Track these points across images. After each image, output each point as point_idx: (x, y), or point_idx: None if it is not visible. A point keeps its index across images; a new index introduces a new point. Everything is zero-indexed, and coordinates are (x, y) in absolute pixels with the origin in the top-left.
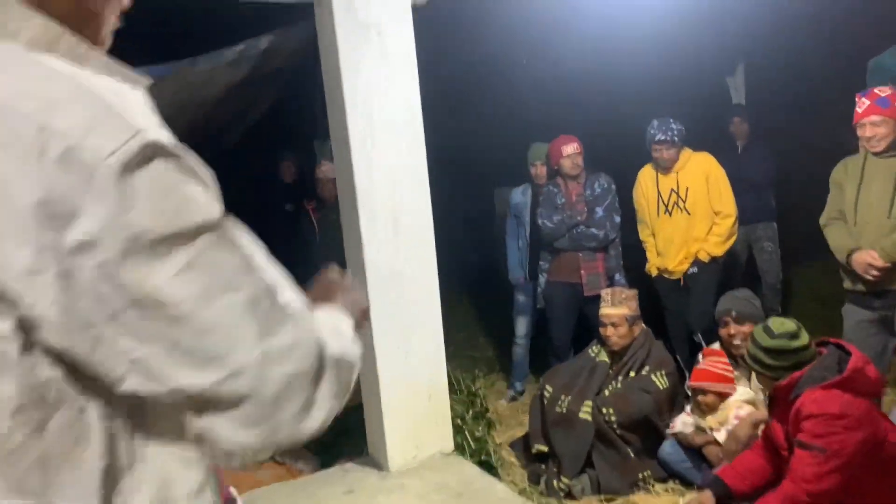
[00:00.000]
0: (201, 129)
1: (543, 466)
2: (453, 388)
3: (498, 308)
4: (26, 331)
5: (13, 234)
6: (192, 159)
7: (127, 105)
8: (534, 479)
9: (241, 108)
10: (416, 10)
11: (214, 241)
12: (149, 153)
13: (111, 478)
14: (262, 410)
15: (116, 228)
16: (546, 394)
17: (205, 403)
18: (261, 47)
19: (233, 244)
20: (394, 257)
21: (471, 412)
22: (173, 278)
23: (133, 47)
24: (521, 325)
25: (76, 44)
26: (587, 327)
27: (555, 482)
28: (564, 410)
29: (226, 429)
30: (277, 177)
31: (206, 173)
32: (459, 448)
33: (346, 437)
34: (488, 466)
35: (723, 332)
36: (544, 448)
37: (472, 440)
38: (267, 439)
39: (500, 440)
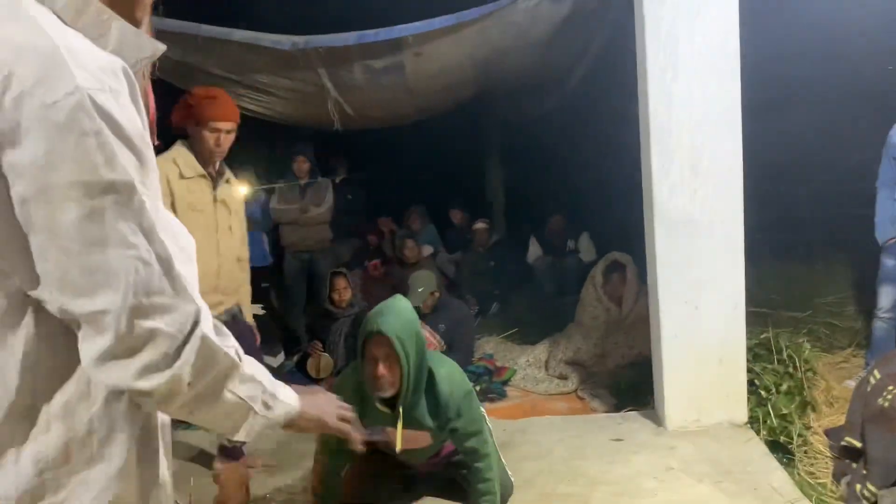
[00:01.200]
0: (539, 71)
1: (854, 465)
2: (771, 357)
3: None
4: None
5: None
6: (132, 127)
7: (80, 63)
8: (837, 476)
9: (576, 48)
10: None
11: (120, 202)
12: (84, 108)
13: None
14: (115, 350)
15: (39, 169)
16: (871, 379)
17: (79, 325)
18: None
19: (138, 210)
20: (688, 202)
21: (785, 385)
22: (76, 220)
23: None
24: (886, 296)
25: (102, 10)
26: None
27: (858, 486)
28: (886, 405)
29: (85, 352)
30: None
31: (140, 140)
32: (756, 422)
33: (649, 385)
34: (785, 450)
35: None
36: (856, 443)
37: (774, 416)
38: (109, 377)
39: (818, 423)
